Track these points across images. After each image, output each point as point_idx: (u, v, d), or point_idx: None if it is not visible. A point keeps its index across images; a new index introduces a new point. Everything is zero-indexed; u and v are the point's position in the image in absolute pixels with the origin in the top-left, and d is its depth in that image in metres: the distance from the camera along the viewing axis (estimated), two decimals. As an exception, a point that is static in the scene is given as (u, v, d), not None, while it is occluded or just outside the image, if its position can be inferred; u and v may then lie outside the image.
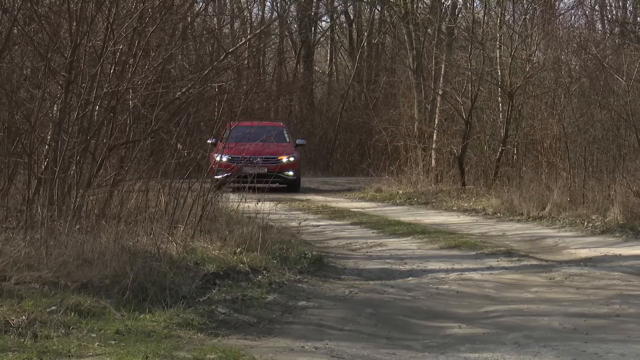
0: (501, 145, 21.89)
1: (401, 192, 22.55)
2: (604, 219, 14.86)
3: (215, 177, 13.03)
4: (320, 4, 39.58)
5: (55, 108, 10.52)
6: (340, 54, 40.91)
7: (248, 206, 13.00)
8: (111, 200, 10.78)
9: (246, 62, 30.37)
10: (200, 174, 12.16)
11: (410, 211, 18.70)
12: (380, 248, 12.80)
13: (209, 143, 14.73)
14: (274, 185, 21.37)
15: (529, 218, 16.51)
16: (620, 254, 11.91)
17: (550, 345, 7.11)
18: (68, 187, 10.15)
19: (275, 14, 38.28)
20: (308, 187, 25.71)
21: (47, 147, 10.30)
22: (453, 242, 12.99)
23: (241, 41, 28.00)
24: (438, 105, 24.93)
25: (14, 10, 10.52)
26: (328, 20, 40.26)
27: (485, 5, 24.56)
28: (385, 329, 7.85)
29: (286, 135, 25.16)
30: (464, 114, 22.86)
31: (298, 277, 9.91)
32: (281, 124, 27.19)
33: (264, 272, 9.71)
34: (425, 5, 29.29)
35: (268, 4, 39.14)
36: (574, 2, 31.70)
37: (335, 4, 39.37)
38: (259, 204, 12.66)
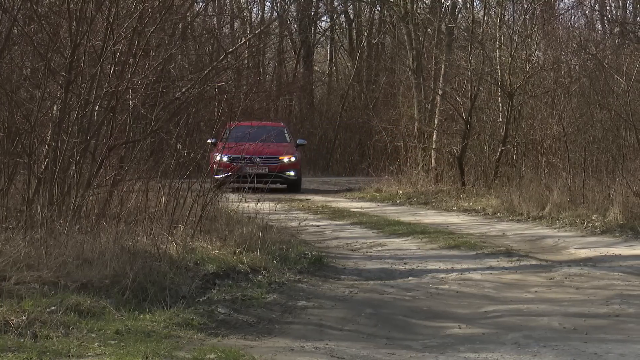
0: (501, 145, 21.88)
1: (401, 192, 22.54)
2: (604, 219, 14.86)
3: (215, 177, 13.04)
4: (320, 4, 39.61)
5: (55, 108, 10.51)
6: (340, 54, 40.91)
7: (248, 206, 13.00)
8: (111, 200, 10.78)
9: (246, 62, 30.35)
10: (200, 174, 12.15)
11: (410, 211, 18.69)
12: (380, 248, 12.79)
13: (209, 143, 14.72)
14: (274, 186, 21.36)
15: (528, 218, 16.51)
16: (620, 254, 11.90)
17: (550, 345, 7.11)
18: (68, 187, 10.15)
19: (275, 14, 38.30)
20: (308, 187, 25.70)
21: (47, 147, 10.30)
22: (453, 242, 12.98)
23: (241, 41, 28.01)
24: (438, 105, 24.92)
25: (14, 10, 10.52)
26: (328, 20, 40.31)
27: (485, 5, 24.57)
28: (385, 329, 7.85)
29: (287, 135, 25.13)
30: (463, 114, 22.85)
31: (298, 277, 9.90)
32: (282, 124, 27.16)
33: (264, 272, 9.71)
34: (425, 5, 29.29)
35: (268, 4, 39.21)
36: (574, 2, 31.75)
37: (335, 4, 39.39)
38: (259, 204, 12.66)
